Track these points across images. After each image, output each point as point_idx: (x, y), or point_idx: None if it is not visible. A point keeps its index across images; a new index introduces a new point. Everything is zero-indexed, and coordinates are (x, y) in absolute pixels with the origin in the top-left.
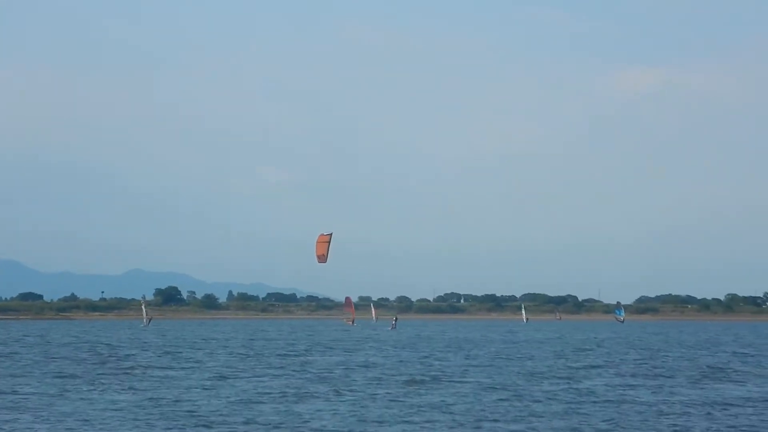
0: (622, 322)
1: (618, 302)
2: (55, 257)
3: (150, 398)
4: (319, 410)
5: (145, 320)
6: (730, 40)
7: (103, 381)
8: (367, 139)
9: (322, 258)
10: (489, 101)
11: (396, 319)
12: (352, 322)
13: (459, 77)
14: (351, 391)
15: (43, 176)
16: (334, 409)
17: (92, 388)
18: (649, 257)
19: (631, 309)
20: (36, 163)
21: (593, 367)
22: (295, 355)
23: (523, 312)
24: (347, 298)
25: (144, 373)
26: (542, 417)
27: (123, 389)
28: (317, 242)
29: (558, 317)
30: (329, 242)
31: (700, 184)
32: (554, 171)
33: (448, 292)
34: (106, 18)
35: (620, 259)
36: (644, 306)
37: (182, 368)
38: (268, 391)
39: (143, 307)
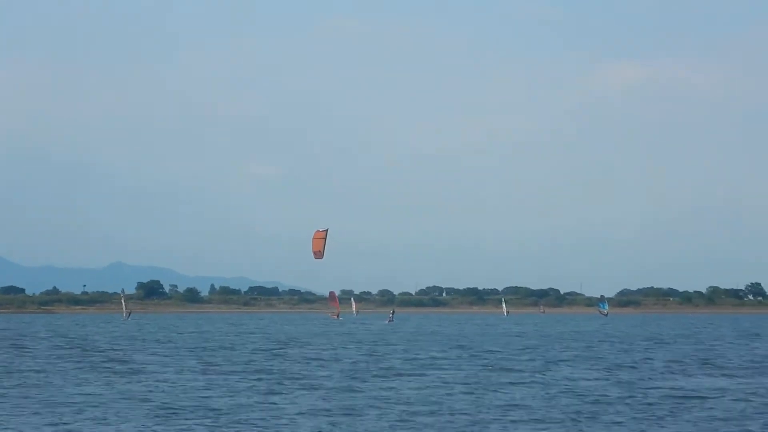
0: (606, 315)
1: (601, 296)
2: (37, 251)
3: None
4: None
5: (125, 314)
6: (718, 35)
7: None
8: (351, 134)
9: (319, 254)
10: (476, 95)
11: (393, 312)
12: (337, 316)
13: (444, 71)
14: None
15: (23, 168)
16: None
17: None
18: (631, 250)
19: (613, 302)
20: (16, 155)
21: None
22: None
23: (504, 305)
24: (331, 293)
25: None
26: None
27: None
28: (313, 239)
29: (542, 310)
30: (325, 238)
31: (683, 179)
32: (537, 165)
33: (430, 285)
34: (100, 11)
35: (602, 253)
36: (626, 299)
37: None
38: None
39: (123, 301)
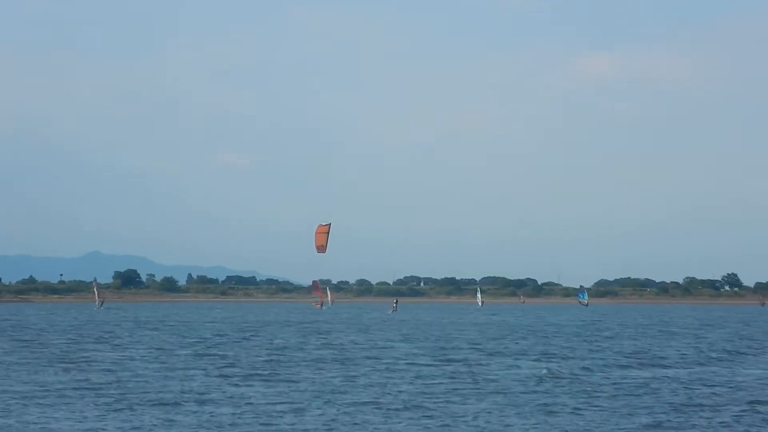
0: (586, 305)
1: (581, 286)
2: (14, 240)
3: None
4: None
5: (97, 303)
6: (694, 27)
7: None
8: (328, 125)
9: (322, 248)
10: (449, 87)
11: (396, 301)
12: (321, 306)
13: (419, 62)
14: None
15: None
16: None
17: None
18: (608, 241)
19: (590, 292)
20: None
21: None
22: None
23: (479, 295)
24: (314, 282)
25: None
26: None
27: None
28: (316, 233)
29: (522, 300)
30: (328, 232)
31: (660, 171)
32: (512, 157)
33: (408, 275)
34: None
35: (579, 243)
36: (604, 289)
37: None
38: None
39: (95, 290)
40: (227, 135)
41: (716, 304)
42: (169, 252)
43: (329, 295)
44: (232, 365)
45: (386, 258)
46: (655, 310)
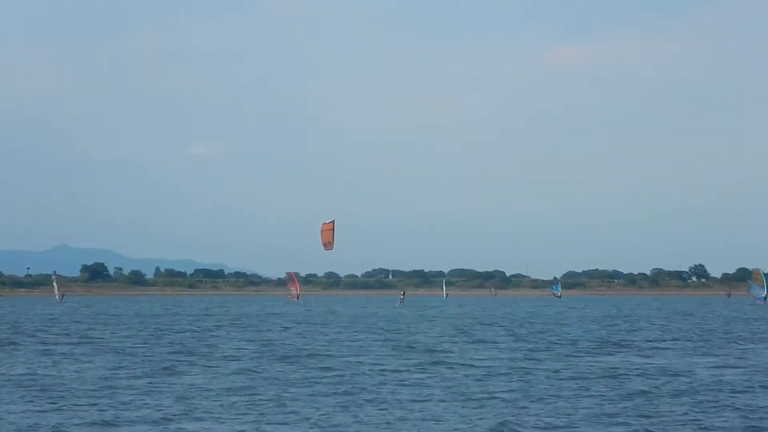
0: (560, 297)
1: (555, 277)
2: None
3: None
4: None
5: (57, 296)
6: (668, 17)
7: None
8: (297, 113)
9: (329, 245)
10: (418, 75)
11: (404, 293)
12: (297, 299)
13: (394, 47)
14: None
15: None
16: None
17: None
18: (576, 233)
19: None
20: None
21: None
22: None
23: (444, 287)
24: (290, 274)
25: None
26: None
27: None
28: (322, 230)
29: (493, 293)
30: (333, 229)
31: (630, 162)
32: (480, 146)
33: (376, 267)
34: None
35: (547, 235)
36: (572, 281)
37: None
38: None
39: (54, 283)
40: (197, 124)
41: (684, 296)
42: (137, 245)
43: (299, 291)
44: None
45: (355, 250)
46: (625, 301)
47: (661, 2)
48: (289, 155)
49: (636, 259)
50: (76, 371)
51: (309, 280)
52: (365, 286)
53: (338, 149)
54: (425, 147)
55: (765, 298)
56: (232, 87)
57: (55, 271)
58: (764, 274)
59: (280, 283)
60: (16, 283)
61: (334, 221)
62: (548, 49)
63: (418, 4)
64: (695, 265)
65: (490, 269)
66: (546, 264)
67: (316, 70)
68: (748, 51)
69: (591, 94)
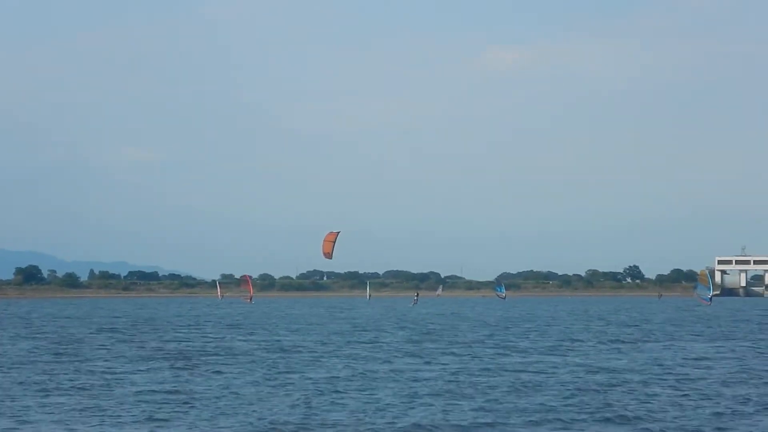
0: (504, 298)
1: (498, 278)
2: None
3: None
4: None
5: None
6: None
7: None
8: (237, 115)
9: (329, 255)
10: (355, 77)
11: (417, 295)
12: (250, 300)
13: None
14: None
15: None
16: None
17: None
18: (511, 235)
19: (492, 285)
20: None
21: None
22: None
23: (368, 289)
24: (244, 276)
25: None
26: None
27: None
28: (324, 241)
29: (437, 294)
30: (335, 241)
31: (559, 165)
32: (418, 150)
33: (311, 269)
34: None
35: (482, 237)
36: (507, 282)
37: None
38: None
39: None
40: (132, 127)
41: (618, 296)
42: (70, 248)
43: (219, 290)
44: None
45: (289, 251)
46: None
47: (603, 3)
48: (227, 156)
49: (571, 259)
50: None
51: (240, 282)
52: (300, 288)
53: (279, 150)
54: (367, 149)
55: (710, 298)
56: (169, 90)
57: None
58: (709, 273)
59: (214, 285)
60: None
61: (338, 233)
62: (487, 51)
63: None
64: (630, 266)
65: (425, 270)
66: (481, 266)
67: (257, 73)
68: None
69: (526, 97)
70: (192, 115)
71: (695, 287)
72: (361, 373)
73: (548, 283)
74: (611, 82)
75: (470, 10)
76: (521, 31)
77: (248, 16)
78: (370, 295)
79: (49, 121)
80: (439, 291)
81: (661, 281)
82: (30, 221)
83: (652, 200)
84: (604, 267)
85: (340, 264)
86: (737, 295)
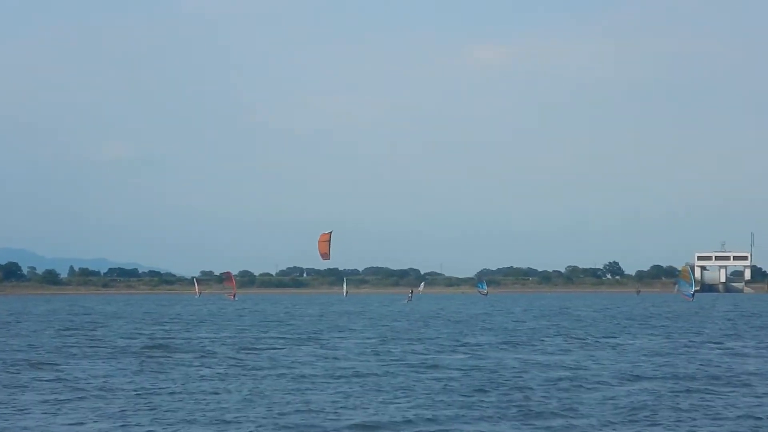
0: (485, 295)
1: (479, 275)
2: None
3: None
4: None
5: None
6: (593, 16)
7: None
8: (209, 109)
9: (326, 255)
10: (327, 76)
11: (412, 292)
12: (234, 297)
13: (309, 45)
14: None
15: None
16: None
17: None
18: (491, 231)
19: (473, 282)
20: None
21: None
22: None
23: (345, 286)
24: (227, 273)
25: None
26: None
27: None
28: (319, 241)
29: (417, 290)
30: (329, 240)
31: (541, 161)
32: (393, 146)
33: (291, 266)
34: None
35: (460, 233)
36: (487, 279)
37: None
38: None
39: None
40: (112, 123)
41: (598, 292)
42: (50, 244)
43: (196, 287)
44: None
45: (270, 248)
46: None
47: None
48: (206, 153)
49: (550, 255)
50: None
51: (223, 278)
52: (280, 284)
53: (256, 147)
54: (346, 145)
55: (693, 294)
56: (148, 86)
57: None
58: (691, 270)
59: (194, 282)
60: None
61: (331, 232)
62: (470, 49)
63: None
64: (609, 263)
65: (405, 267)
66: (460, 263)
67: (236, 69)
68: (673, 50)
69: (510, 94)
70: (177, 111)
71: (677, 283)
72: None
73: (528, 279)
74: (589, 78)
75: (463, 7)
76: (500, 28)
77: (243, 14)
78: (347, 292)
79: (30, 116)
80: (421, 287)
81: (641, 277)
82: (10, 217)
83: (632, 197)
84: (584, 263)
85: (319, 260)
86: (717, 290)
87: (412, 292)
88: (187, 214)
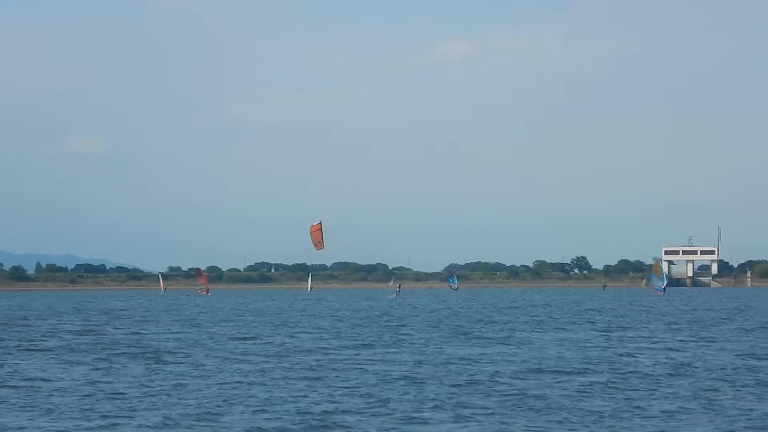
0: (456, 290)
1: (449, 269)
2: None
3: None
4: None
5: None
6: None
7: None
8: (180, 104)
9: (320, 244)
10: (302, 69)
11: (400, 286)
12: (207, 292)
13: (279, 39)
14: None
15: None
16: None
17: None
18: (458, 225)
19: (441, 277)
20: None
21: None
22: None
23: (309, 281)
24: (198, 269)
25: None
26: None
27: None
28: (311, 232)
29: (395, 286)
30: (321, 230)
31: (509, 157)
32: (364, 142)
33: (259, 261)
34: None
35: (428, 227)
36: (455, 273)
37: None
38: None
39: None
40: (78, 119)
41: (565, 287)
42: (17, 240)
43: (161, 283)
44: None
45: (237, 243)
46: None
47: None
48: (171, 148)
49: (518, 250)
50: None
51: (191, 274)
52: (248, 280)
53: (224, 141)
54: (319, 140)
55: (664, 288)
56: (114, 81)
57: None
58: (662, 265)
59: (162, 277)
60: None
61: (321, 222)
62: (436, 44)
63: None
64: (577, 257)
65: (373, 262)
66: (428, 257)
67: (201, 63)
68: (641, 45)
69: (476, 89)
70: (148, 105)
71: (649, 278)
72: None
73: (496, 274)
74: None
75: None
76: (468, 23)
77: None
78: (311, 288)
79: None
80: (391, 283)
81: (609, 272)
82: None
83: (600, 193)
84: (551, 258)
85: (287, 255)
86: (684, 285)
87: (399, 286)
88: (155, 210)
